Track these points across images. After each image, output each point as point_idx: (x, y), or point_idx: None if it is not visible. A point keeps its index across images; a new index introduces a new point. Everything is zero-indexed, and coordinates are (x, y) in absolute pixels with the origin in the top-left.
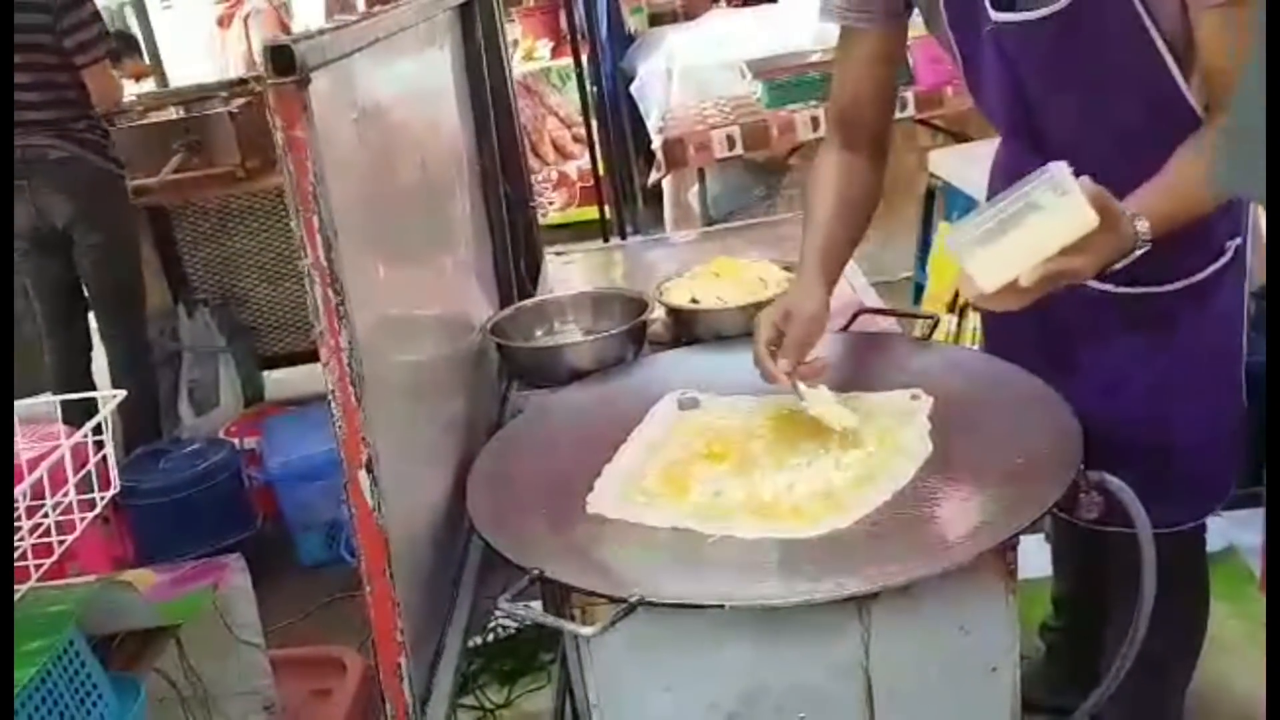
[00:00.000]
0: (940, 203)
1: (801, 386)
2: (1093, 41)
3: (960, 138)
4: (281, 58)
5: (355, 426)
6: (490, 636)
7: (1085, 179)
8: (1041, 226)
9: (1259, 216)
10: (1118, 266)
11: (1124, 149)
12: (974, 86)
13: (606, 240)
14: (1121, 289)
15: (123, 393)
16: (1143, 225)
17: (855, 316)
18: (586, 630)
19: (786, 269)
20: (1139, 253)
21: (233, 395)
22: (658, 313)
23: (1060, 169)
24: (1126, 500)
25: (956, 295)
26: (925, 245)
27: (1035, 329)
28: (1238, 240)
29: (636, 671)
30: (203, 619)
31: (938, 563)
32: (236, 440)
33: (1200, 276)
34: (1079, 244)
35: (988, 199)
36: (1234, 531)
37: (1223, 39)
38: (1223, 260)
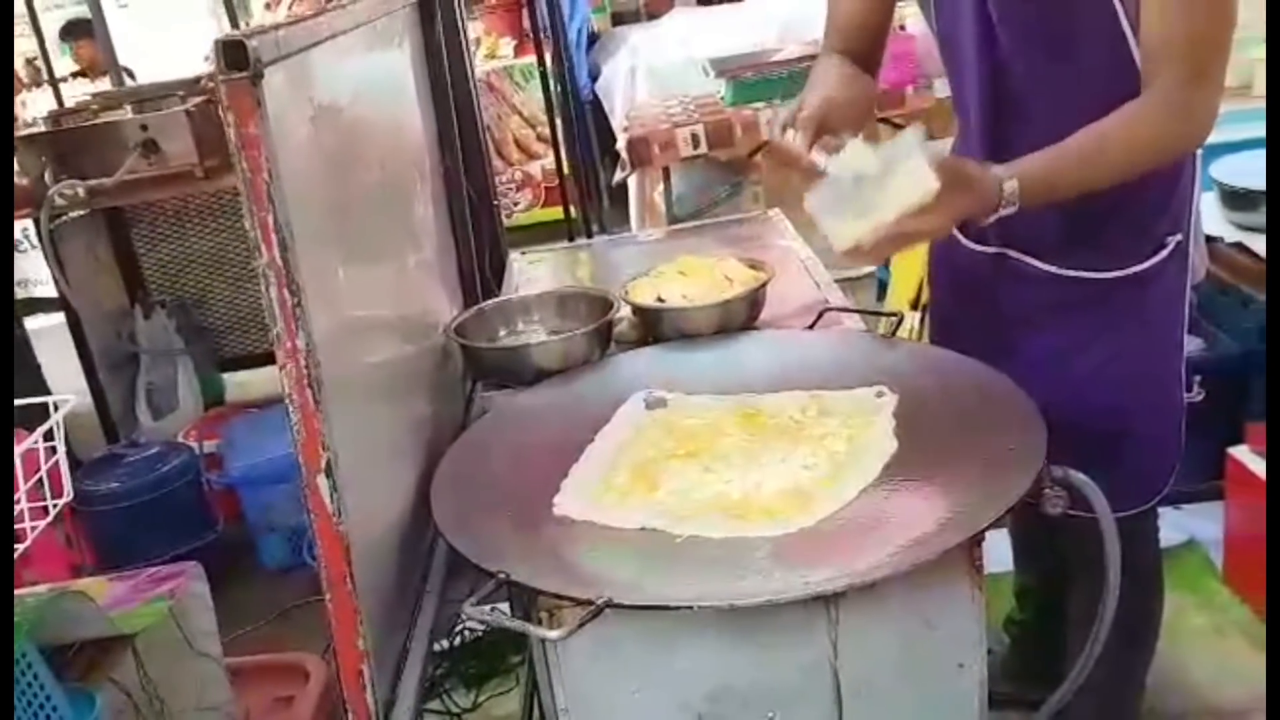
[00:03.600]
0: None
1: (819, 157)
2: (1072, 28)
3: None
4: (234, 53)
5: (314, 430)
6: (457, 640)
7: (937, 147)
8: (885, 190)
9: (1199, 213)
10: (988, 221)
11: (1086, 120)
12: (953, 76)
13: (572, 240)
14: (1063, 270)
15: (74, 398)
16: (1010, 186)
17: (821, 315)
18: (553, 634)
19: (753, 266)
20: (1005, 211)
21: (192, 398)
22: (623, 312)
23: (911, 133)
24: (1090, 494)
25: (920, 292)
26: None
27: (976, 311)
28: (1178, 236)
29: (605, 674)
30: (160, 628)
31: (904, 560)
32: (196, 443)
33: (1140, 267)
34: (928, 206)
35: None
36: (1194, 524)
37: (1156, 14)
38: (1163, 254)
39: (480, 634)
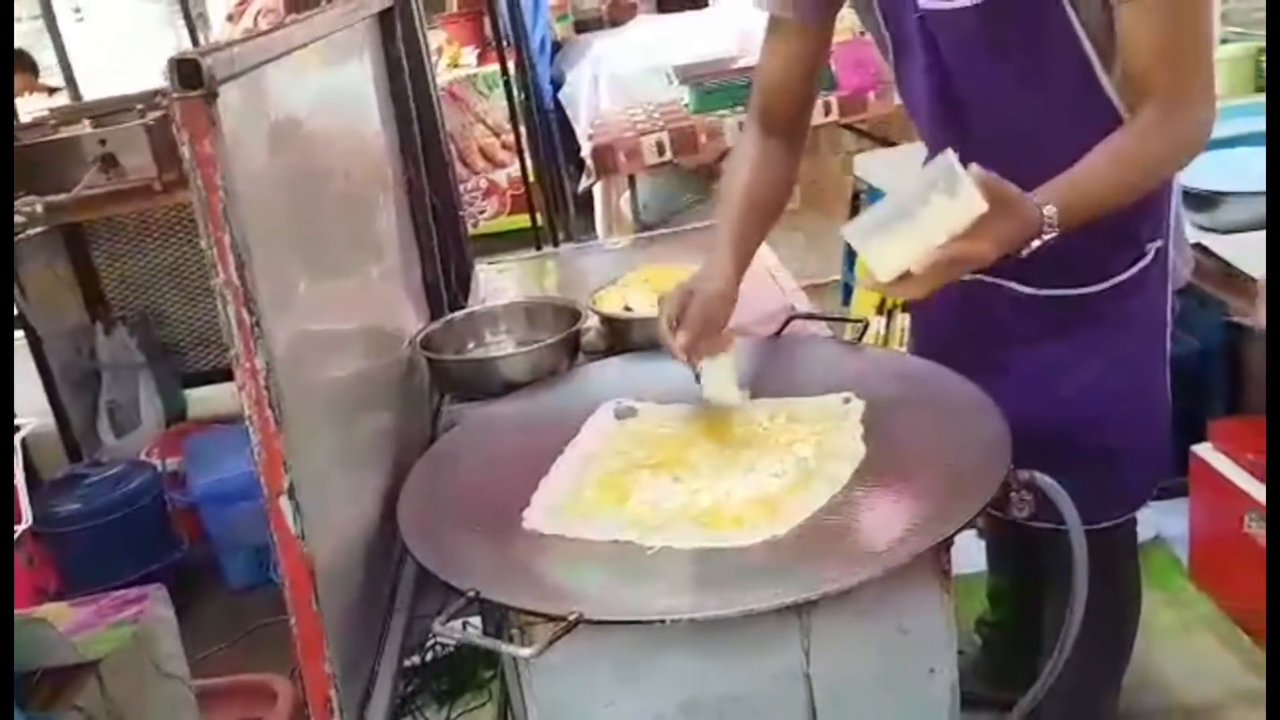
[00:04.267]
0: (866, 206)
1: (703, 364)
2: (1017, 32)
3: (883, 141)
4: (188, 71)
5: (275, 452)
6: (428, 655)
7: (976, 166)
8: (932, 215)
9: (1180, 217)
10: (1026, 253)
11: (1046, 145)
12: (902, 81)
13: (539, 248)
14: (1045, 291)
15: (34, 420)
16: (1050, 210)
17: (788, 322)
18: (525, 651)
19: None
20: (1048, 237)
21: (154, 415)
22: (591, 321)
23: (948, 157)
24: (1057, 498)
25: (884, 298)
26: (852, 248)
27: (962, 331)
28: (1159, 242)
29: (578, 689)
30: (125, 653)
31: (874, 566)
32: (159, 461)
33: (1122, 277)
34: (974, 230)
35: None
36: (1161, 521)
37: (1138, 33)
38: (1144, 261)
39: (452, 649)
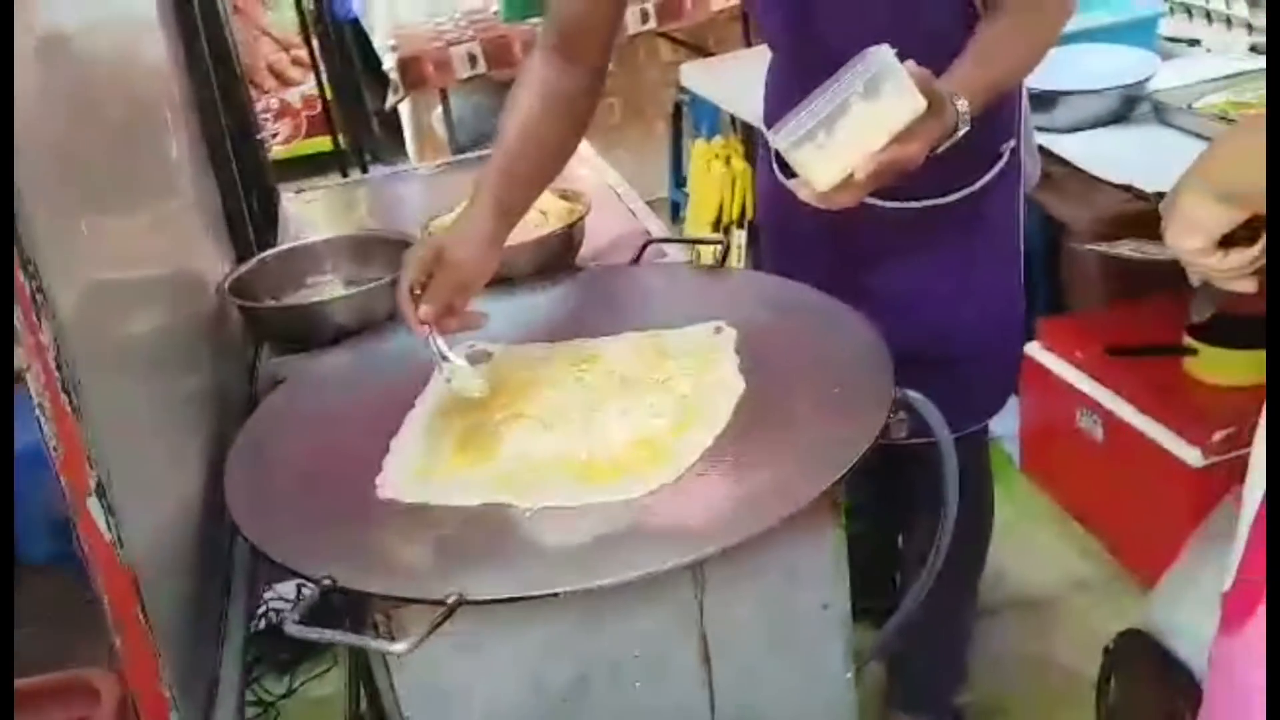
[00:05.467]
0: (689, 119)
1: (440, 343)
2: None
3: (701, 51)
4: None
5: (76, 445)
6: (262, 623)
7: (911, 63)
8: (870, 116)
9: (1029, 117)
10: (940, 150)
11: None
12: None
13: (345, 174)
14: (907, 204)
15: None
16: (962, 104)
17: (644, 248)
18: (398, 647)
19: (564, 197)
20: (960, 134)
21: None
22: None
23: (882, 53)
24: (927, 413)
25: (720, 215)
26: (677, 163)
27: (822, 252)
28: (1012, 143)
29: (454, 671)
30: None
31: (778, 510)
32: None
33: (980, 183)
34: (908, 131)
35: (765, 121)
36: (991, 421)
37: None
38: (999, 165)
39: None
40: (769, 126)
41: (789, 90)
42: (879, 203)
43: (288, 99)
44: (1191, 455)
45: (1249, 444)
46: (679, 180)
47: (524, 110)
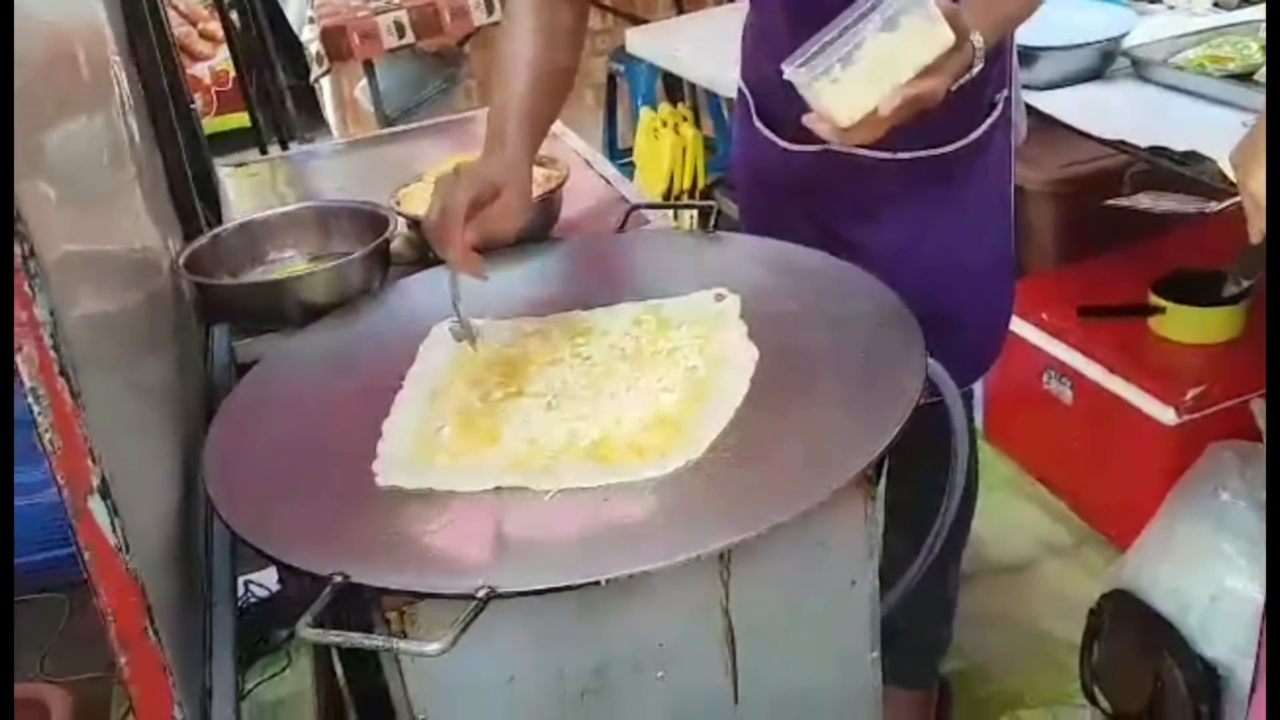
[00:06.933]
0: (624, 88)
1: (461, 280)
2: None
3: (631, 19)
4: None
5: (76, 437)
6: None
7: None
8: (896, 48)
9: (1017, 70)
10: (955, 88)
11: None
12: None
13: (264, 151)
14: (900, 155)
15: None
16: (979, 40)
17: (629, 215)
18: (431, 647)
19: (539, 164)
20: (976, 70)
21: None
22: (399, 228)
23: None
24: (935, 373)
25: (671, 183)
26: (612, 135)
27: (806, 217)
28: (1005, 92)
29: (473, 666)
30: None
31: (816, 492)
32: None
33: (976, 134)
34: (934, 65)
35: (742, 72)
36: None
37: None
38: (994, 115)
39: (241, 606)
40: (749, 83)
41: (777, 40)
42: (872, 153)
43: (196, 74)
44: (1166, 414)
45: (1220, 400)
46: (614, 153)
47: (527, 49)
